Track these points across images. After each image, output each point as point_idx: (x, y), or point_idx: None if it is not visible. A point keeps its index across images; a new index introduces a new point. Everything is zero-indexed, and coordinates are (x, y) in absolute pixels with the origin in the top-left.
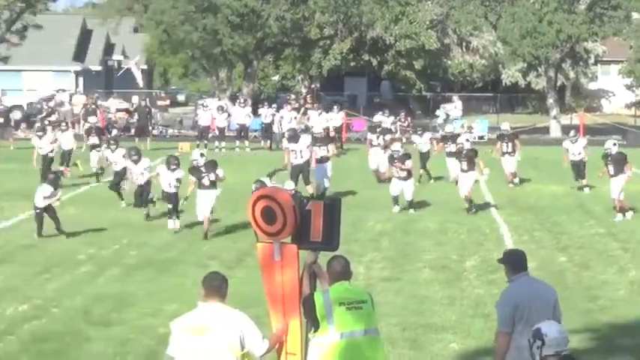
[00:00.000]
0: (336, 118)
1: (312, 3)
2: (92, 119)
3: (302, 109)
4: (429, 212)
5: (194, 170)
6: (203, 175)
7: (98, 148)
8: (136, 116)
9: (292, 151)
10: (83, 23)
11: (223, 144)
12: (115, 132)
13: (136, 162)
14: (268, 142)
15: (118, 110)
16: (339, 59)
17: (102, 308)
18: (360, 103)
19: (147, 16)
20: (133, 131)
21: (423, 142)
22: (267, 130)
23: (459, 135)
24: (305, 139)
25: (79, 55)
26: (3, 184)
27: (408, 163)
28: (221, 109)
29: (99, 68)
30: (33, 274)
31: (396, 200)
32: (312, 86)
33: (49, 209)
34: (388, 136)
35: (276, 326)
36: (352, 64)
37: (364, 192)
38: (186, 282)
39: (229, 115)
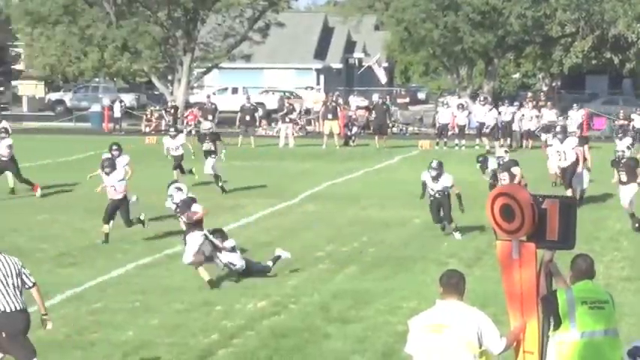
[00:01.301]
0: (576, 116)
1: (554, 1)
2: (206, 125)
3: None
4: None
5: (175, 210)
6: (177, 214)
7: (213, 155)
8: (374, 114)
9: (557, 152)
10: (325, 21)
11: (463, 142)
12: (355, 129)
13: (108, 174)
14: (508, 140)
15: (359, 108)
16: (580, 57)
17: (340, 305)
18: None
19: (388, 14)
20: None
21: (622, 146)
22: (506, 128)
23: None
24: (571, 141)
25: (320, 52)
26: (245, 181)
27: (515, 170)
28: (461, 106)
29: (340, 66)
30: (271, 270)
31: None
32: (553, 84)
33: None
34: (561, 136)
35: (514, 324)
36: (593, 62)
37: (604, 190)
38: (426, 279)
39: (470, 113)
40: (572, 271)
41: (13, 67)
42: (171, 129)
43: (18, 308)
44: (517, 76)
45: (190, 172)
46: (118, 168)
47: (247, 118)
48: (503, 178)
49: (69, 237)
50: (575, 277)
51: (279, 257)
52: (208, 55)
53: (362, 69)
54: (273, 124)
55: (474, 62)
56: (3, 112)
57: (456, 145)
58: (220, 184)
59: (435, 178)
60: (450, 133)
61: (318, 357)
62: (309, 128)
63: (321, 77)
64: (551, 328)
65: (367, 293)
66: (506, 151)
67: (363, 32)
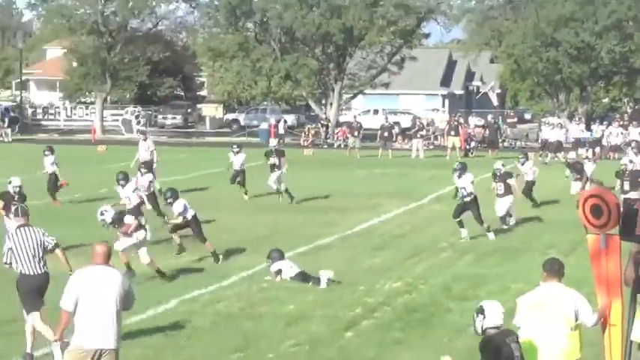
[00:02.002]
0: None
1: (638, 38)
2: (272, 142)
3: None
4: None
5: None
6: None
7: (277, 169)
8: (487, 131)
9: (631, 162)
10: (449, 55)
11: (561, 154)
12: (473, 144)
13: (122, 186)
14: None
15: (476, 126)
16: None
17: (460, 286)
18: None
19: (501, 50)
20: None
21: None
22: (597, 143)
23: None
24: None
25: (445, 81)
26: (383, 186)
27: (511, 182)
28: (559, 125)
29: (461, 92)
30: (404, 257)
31: (503, 220)
32: (636, 107)
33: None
34: (597, 149)
35: (601, 303)
36: None
37: None
38: (530, 266)
39: (567, 131)
40: None
41: (198, 93)
42: (234, 146)
43: (36, 272)
44: (606, 100)
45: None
46: (132, 181)
47: (386, 134)
48: (499, 187)
49: (242, 230)
50: None
51: (328, 278)
52: (355, 83)
53: (479, 94)
54: (406, 140)
55: (570, 89)
56: (189, 129)
57: (556, 156)
58: (285, 194)
59: (459, 176)
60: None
61: (442, 328)
62: (435, 143)
63: (446, 101)
64: (639, 303)
65: (482, 277)
66: (503, 165)
67: (480, 64)
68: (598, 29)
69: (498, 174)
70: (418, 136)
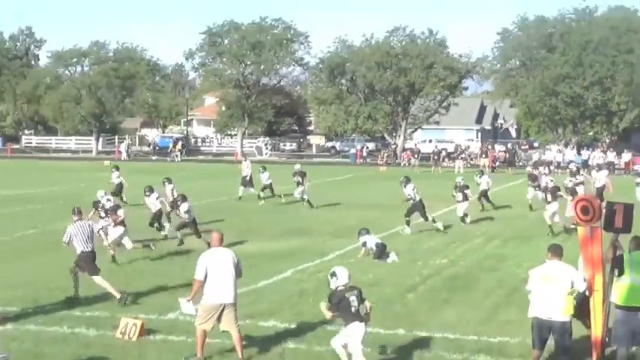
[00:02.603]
0: (626, 156)
1: (614, 90)
2: (297, 166)
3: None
4: None
5: (107, 211)
6: (107, 216)
7: (301, 185)
8: (507, 155)
9: (593, 177)
10: (481, 102)
11: (560, 171)
12: (497, 163)
13: (148, 196)
14: (585, 170)
15: (500, 151)
16: (628, 123)
17: (488, 262)
18: None
19: (517, 98)
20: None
21: (599, 177)
22: (586, 163)
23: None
24: (604, 172)
25: (479, 119)
26: (435, 192)
27: (467, 192)
28: (558, 150)
29: (489, 127)
30: (449, 242)
31: (462, 219)
32: (613, 138)
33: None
34: (552, 167)
35: (588, 275)
36: (636, 125)
37: None
38: (538, 248)
39: (564, 154)
40: (631, 245)
41: (307, 127)
42: (260, 167)
43: (90, 249)
44: (591, 133)
45: (279, 196)
46: (155, 192)
47: (436, 157)
48: (459, 195)
49: (337, 221)
50: (634, 248)
51: (393, 260)
52: (415, 121)
53: (502, 129)
54: (450, 161)
55: (566, 125)
56: (301, 153)
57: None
58: (306, 203)
59: (405, 186)
60: (552, 166)
61: (476, 291)
62: (471, 163)
63: (479, 134)
64: (616, 275)
65: (504, 255)
66: (462, 179)
67: (503, 108)
68: (586, 84)
69: (458, 185)
70: (459, 158)
